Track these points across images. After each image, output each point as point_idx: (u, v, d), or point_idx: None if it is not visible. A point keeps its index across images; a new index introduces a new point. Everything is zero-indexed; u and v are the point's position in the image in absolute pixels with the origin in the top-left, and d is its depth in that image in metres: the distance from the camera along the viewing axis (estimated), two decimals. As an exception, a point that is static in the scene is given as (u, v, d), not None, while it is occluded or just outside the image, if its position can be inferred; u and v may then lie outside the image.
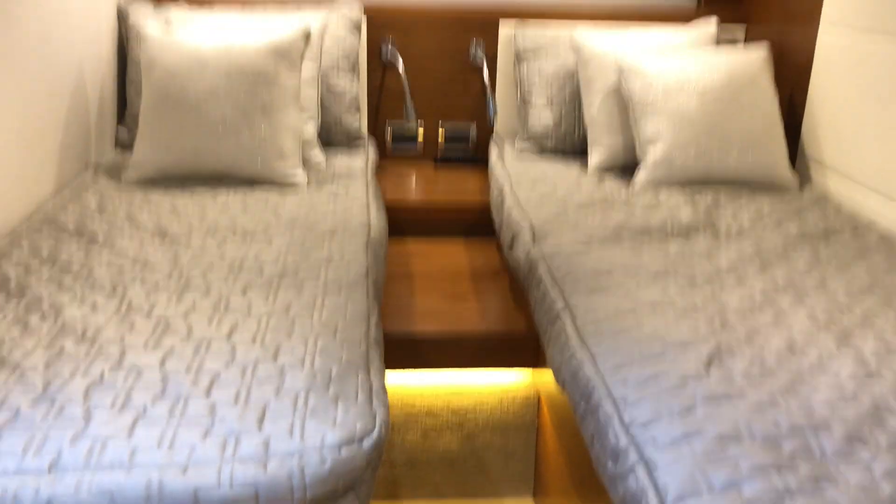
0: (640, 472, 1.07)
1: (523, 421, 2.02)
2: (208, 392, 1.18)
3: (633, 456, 1.10)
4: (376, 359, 1.35)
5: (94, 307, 1.42)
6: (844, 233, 1.88)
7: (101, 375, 1.21)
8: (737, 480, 1.00)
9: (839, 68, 2.20)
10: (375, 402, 1.21)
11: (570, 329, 1.47)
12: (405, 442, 2.00)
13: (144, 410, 1.13)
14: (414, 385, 1.99)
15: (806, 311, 1.47)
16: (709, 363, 1.26)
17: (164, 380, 1.20)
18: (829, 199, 2.13)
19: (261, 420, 1.12)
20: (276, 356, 1.27)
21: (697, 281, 1.59)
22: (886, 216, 1.98)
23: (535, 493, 2.08)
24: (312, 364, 1.26)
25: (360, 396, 1.20)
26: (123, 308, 1.42)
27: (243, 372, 1.23)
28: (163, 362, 1.25)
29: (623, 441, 1.14)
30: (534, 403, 2.02)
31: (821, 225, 1.91)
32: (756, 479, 0.99)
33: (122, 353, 1.27)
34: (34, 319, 1.37)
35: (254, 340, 1.32)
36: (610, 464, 1.15)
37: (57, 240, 1.71)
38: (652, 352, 1.30)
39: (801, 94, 2.39)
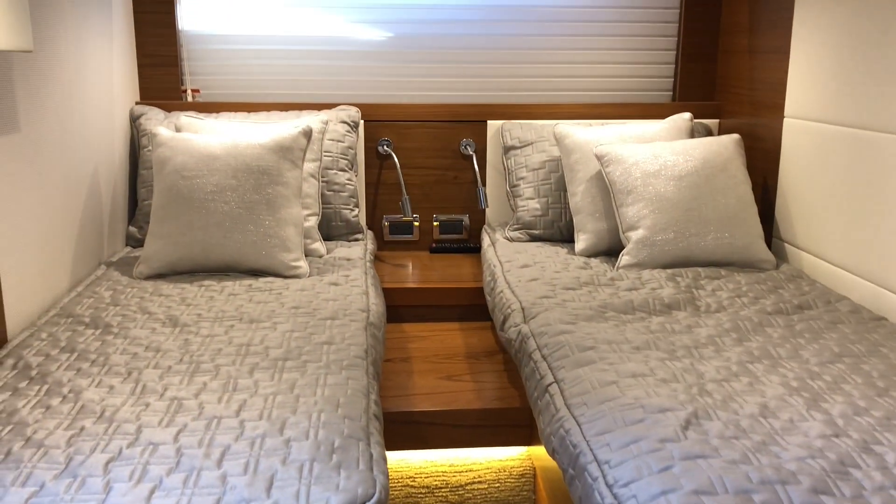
0: (623, 528, 1.15)
1: (520, 497, 2.08)
2: (220, 463, 1.27)
3: (616, 513, 1.18)
4: (375, 431, 1.44)
5: (111, 390, 1.52)
6: (818, 307, 2.00)
7: (120, 451, 1.30)
8: (711, 530, 1.07)
9: (805, 156, 2.36)
10: (375, 469, 1.29)
11: (558, 400, 1.56)
12: (406, 521, 2.05)
13: (160, 482, 1.22)
14: (413, 463, 2.06)
15: (779, 378, 1.57)
16: (686, 426, 1.35)
17: (179, 453, 1.29)
18: (804, 276, 2.25)
19: (269, 488, 1.20)
20: (282, 430, 1.37)
21: (677, 353, 1.69)
22: (856, 291, 2.10)
23: (535, 571, 2.12)
24: (316, 436, 1.35)
25: (362, 464, 1.29)
26: (139, 390, 1.52)
27: (252, 445, 1.32)
28: (176, 438, 1.34)
29: (608, 500, 1.22)
30: (530, 477, 2.08)
31: (795, 300, 2.03)
32: (728, 528, 1.07)
33: (139, 430, 1.36)
34: (55, 402, 1.47)
35: (261, 416, 1.41)
36: (596, 523, 1.23)
37: (74, 331, 1.81)
38: (633, 418, 1.39)
39: (772, 179, 2.55)
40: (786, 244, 2.48)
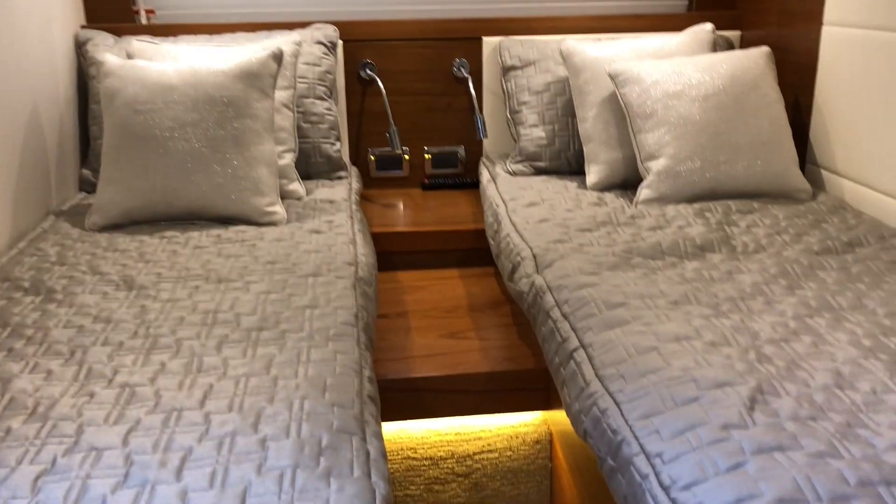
0: (690, 547, 0.91)
1: (535, 465, 1.85)
2: (179, 474, 1.01)
3: (679, 527, 0.94)
4: (371, 420, 1.19)
5: (48, 376, 1.26)
6: (871, 244, 1.74)
7: (54, 461, 1.04)
8: (809, 556, 0.84)
9: (847, 69, 2.07)
10: (374, 474, 1.04)
11: (587, 371, 1.31)
12: (408, 496, 1.83)
13: (104, 503, 0.96)
14: (414, 432, 1.82)
15: (846, 336, 1.32)
16: (751, 406, 1.10)
17: (128, 462, 1.04)
18: (847, 207, 1.99)
19: (241, 507, 0.95)
20: (256, 425, 1.11)
21: (722, 308, 1.44)
22: (912, 223, 1.85)
23: (552, 543, 1.92)
24: (299, 433, 1.09)
25: (356, 469, 1.04)
26: (82, 375, 1.26)
27: (219, 447, 1.06)
28: (126, 440, 1.08)
29: (664, 508, 0.98)
30: (546, 446, 1.85)
31: (843, 237, 1.77)
32: (831, 553, 0.84)
33: (80, 431, 1.11)
34: (-22, 396, 1.20)
35: (231, 407, 1.15)
36: (650, 534, 0.99)
37: (9, 299, 1.54)
38: (685, 396, 1.14)
39: (806, 98, 2.26)
40: (822, 170, 2.21)
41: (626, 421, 1.14)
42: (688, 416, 1.10)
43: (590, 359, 1.33)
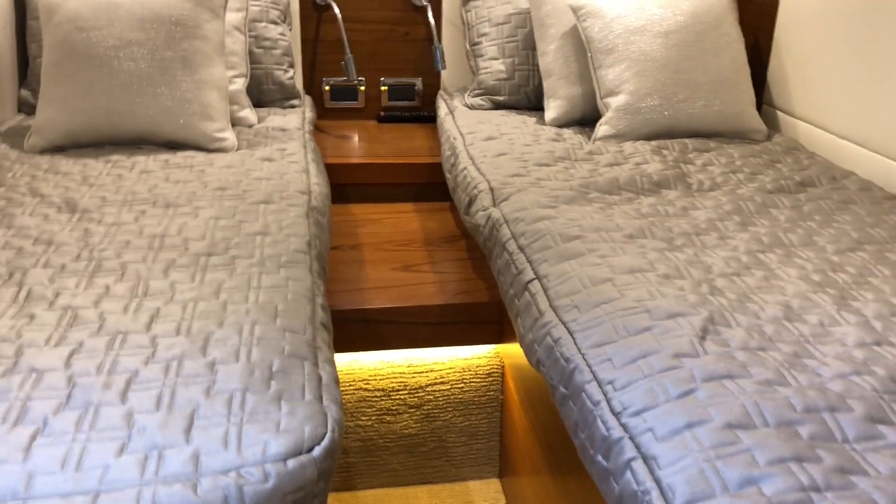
0: (640, 470, 0.92)
1: (486, 398, 1.87)
2: (124, 396, 0.99)
3: (629, 451, 0.95)
4: (324, 346, 1.17)
5: (-15, 298, 1.21)
6: (823, 184, 1.76)
7: (-8, 382, 1.00)
8: (755, 477, 0.85)
9: (807, 11, 2.06)
10: (326, 398, 1.03)
11: (541, 302, 1.31)
12: (359, 427, 1.83)
13: (45, 424, 0.93)
14: (367, 363, 1.82)
15: (796, 271, 1.34)
16: (703, 336, 1.11)
17: (70, 383, 1.00)
18: (801, 149, 2.00)
19: (188, 429, 0.93)
20: (204, 349, 1.08)
21: (676, 242, 1.44)
22: (864, 166, 1.87)
23: (502, 474, 1.94)
24: (249, 357, 1.07)
25: (308, 393, 1.02)
26: (22, 297, 1.21)
27: (166, 370, 1.04)
28: (68, 362, 1.05)
29: (615, 433, 0.98)
30: (497, 379, 1.87)
31: (796, 177, 1.79)
32: (777, 474, 0.85)
33: (19, 353, 1.07)
34: (-90, 316, 1.15)
35: (178, 331, 1.12)
36: (600, 458, 1.00)
37: (-57, 219, 1.47)
38: (638, 325, 1.15)
39: (765, 39, 2.26)
40: (778, 112, 2.22)
41: (579, 349, 1.15)
42: (640, 345, 1.10)
43: (545, 290, 1.33)
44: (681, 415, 0.95)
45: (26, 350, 1.07)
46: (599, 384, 1.07)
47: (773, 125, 2.23)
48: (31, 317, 1.16)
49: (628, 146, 1.97)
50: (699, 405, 0.96)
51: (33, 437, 0.91)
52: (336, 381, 1.10)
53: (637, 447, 0.95)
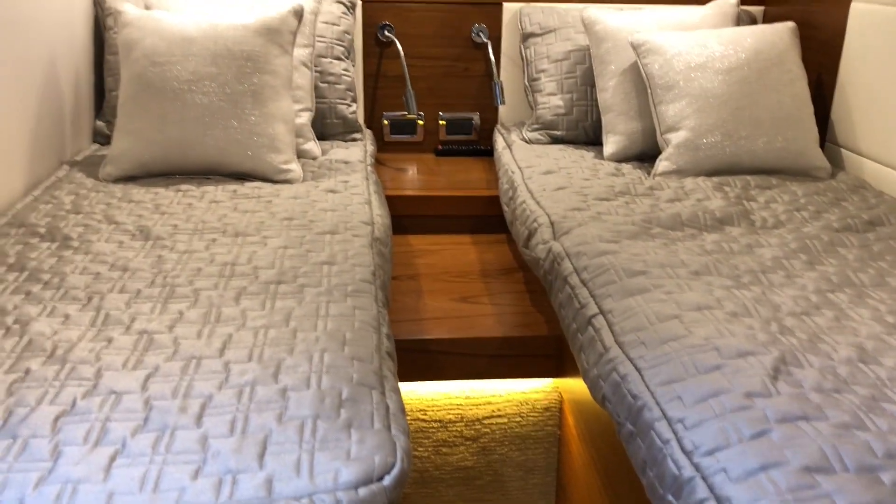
0: (713, 511, 0.91)
1: (544, 432, 1.86)
2: (199, 420, 1.01)
3: (701, 491, 0.94)
4: (390, 375, 1.18)
5: (66, 320, 1.25)
6: (892, 223, 1.73)
7: (73, 402, 1.04)
8: (834, 522, 0.83)
9: (874, 47, 2.04)
10: (394, 427, 1.04)
11: (606, 337, 1.31)
12: (415, 457, 1.83)
13: (124, 445, 0.96)
14: (424, 394, 1.82)
15: (869, 311, 1.31)
16: (774, 376, 1.10)
17: (147, 406, 1.03)
18: (867, 187, 1.97)
19: (261, 454, 0.95)
20: (276, 375, 1.10)
21: (743, 279, 1.43)
22: (934, 204, 1.83)
23: (557, 510, 1.92)
24: (319, 384, 1.09)
25: (377, 422, 1.03)
26: (100, 321, 1.25)
27: (239, 395, 1.06)
28: (145, 385, 1.08)
29: (687, 472, 0.97)
30: (555, 413, 1.85)
31: (864, 215, 1.76)
32: (857, 520, 0.83)
33: (98, 375, 1.10)
34: (-4, 336, 1.19)
35: (250, 357, 1.15)
36: (671, 497, 0.99)
37: (26, 244, 1.53)
38: (708, 363, 1.13)
39: (829, 75, 2.23)
40: (843, 149, 2.19)
41: (648, 386, 1.14)
42: (710, 383, 1.09)
43: (609, 325, 1.33)
44: (755, 456, 0.94)
45: (105, 373, 1.10)
46: (669, 422, 1.06)
47: (836, 163, 2.20)
48: (109, 340, 1.19)
49: (689, 182, 1.96)
50: (774, 447, 0.95)
51: (112, 458, 0.94)
52: (402, 410, 1.11)
53: (710, 488, 0.93)
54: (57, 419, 1.00)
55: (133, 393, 1.06)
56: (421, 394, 1.82)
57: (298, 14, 1.98)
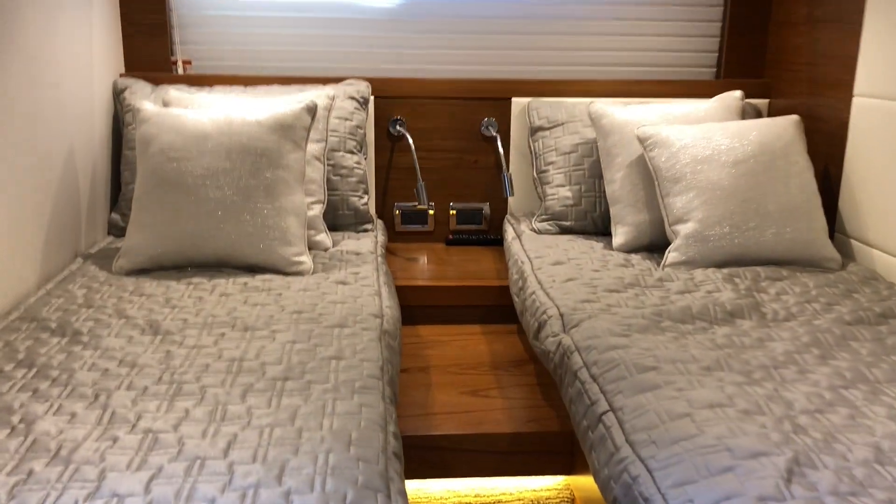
0: None
1: (556, 532, 1.80)
2: (201, 526, 0.99)
3: None
4: (396, 476, 1.16)
5: (72, 418, 1.24)
6: (905, 316, 1.71)
7: (74, 506, 1.02)
8: None
9: (878, 139, 2.07)
10: (399, 534, 1.02)
11: (616, 435, 1.28)
12: (423, 558, 1.78)
13: (123, 552, 0.94)
14: (433, 492, 1.78)
15: (884, 409, 1.29)
16: (788, 478, 1.07)
17: (149, 510, 1.01)
18: (879, 278, 1.96)
19: (263, 563, 0.93)
20: (280, 478, 1.09)
21: (755, 375, 1.41)
22: (946, 296, 1.82)
23: None
24: (323, 487, 1.07)
25: (382, 528, 1.01)
26: (106, 419, 1.24)
27: (242, 498, 1.04)
28: (148, 487, 1.06)
29: (701, 583, 0.94)
30: (567, 512, 1.81)
31: (876, 308, 1.74)
32: None
33: (102, 476, 1.09)
34: (1, 435, 1.19)
35: (254, 458, 1.13)
36: None
37: (36, 339, 1.54)
38: (720, 465, 1.11)
39: (835, 167, 2.26)
40: (852, 240, 2.19)
41: (659, 489, 1.11)
42: (723, 485, 1.06)
43: (620, 423, 1.31)
44: (771, 566, 0.91)
45: (109, 474, 1.09)
46: (682, 528, 1.03)
47: (846, 254, 2.20)
48: (114, 440, 1.18)
49: (699, 273, 1.96)
50: (790, 556, 0.92)
51: (112, 566, 0.92)
52: (409, 514, 1.09)
53: None
54: (57, 524, 0.99)
55: (136, 496, 1.04)
56: (430, 491, 1.78)
57: (312, 111, 2.04)
